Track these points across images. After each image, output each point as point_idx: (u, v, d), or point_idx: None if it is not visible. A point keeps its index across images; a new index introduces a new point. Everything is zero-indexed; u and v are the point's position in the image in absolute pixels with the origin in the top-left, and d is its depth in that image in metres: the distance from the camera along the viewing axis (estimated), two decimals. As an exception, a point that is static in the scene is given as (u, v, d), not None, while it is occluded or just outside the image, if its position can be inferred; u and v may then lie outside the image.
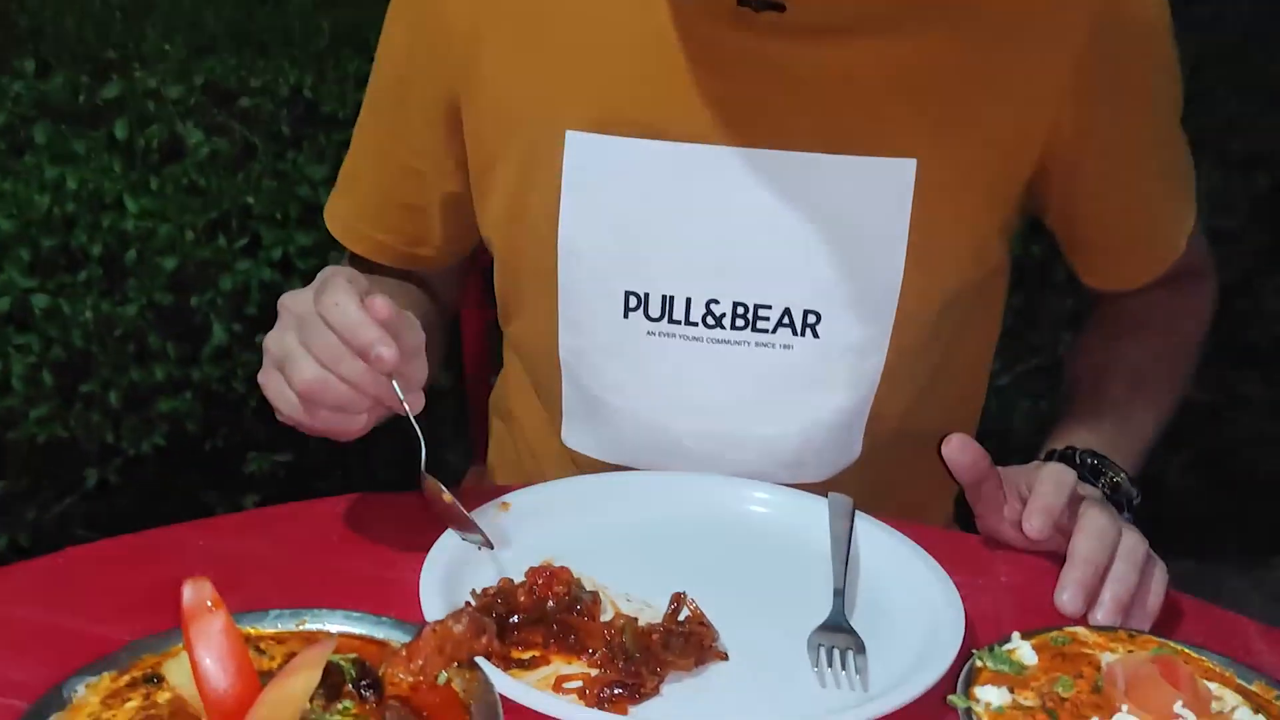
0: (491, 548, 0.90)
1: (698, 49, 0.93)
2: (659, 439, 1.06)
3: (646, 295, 0.99)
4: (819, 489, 1.02)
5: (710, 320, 0.99)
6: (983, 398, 1.23)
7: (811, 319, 0.98)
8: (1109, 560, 0.89)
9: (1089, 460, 1.02)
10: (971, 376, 1.17)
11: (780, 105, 0.94)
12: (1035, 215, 1.10)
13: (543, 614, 0.86)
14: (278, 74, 2.27)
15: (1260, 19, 2.69)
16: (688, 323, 0.99)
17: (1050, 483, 0.91)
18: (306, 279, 2.64)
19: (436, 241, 1.12)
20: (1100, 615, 0.87)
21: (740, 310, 0.98)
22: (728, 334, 0.99)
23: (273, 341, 0.88)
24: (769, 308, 0.98)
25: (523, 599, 0.87)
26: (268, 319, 2.69)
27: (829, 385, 1.01)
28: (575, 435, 1.10)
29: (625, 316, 1.00)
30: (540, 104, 0.98)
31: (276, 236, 2.32)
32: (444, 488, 0.88)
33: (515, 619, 0.85)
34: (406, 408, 0.87)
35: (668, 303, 0.99)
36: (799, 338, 0.98)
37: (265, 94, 2.28)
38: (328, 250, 2.38)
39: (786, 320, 0.98)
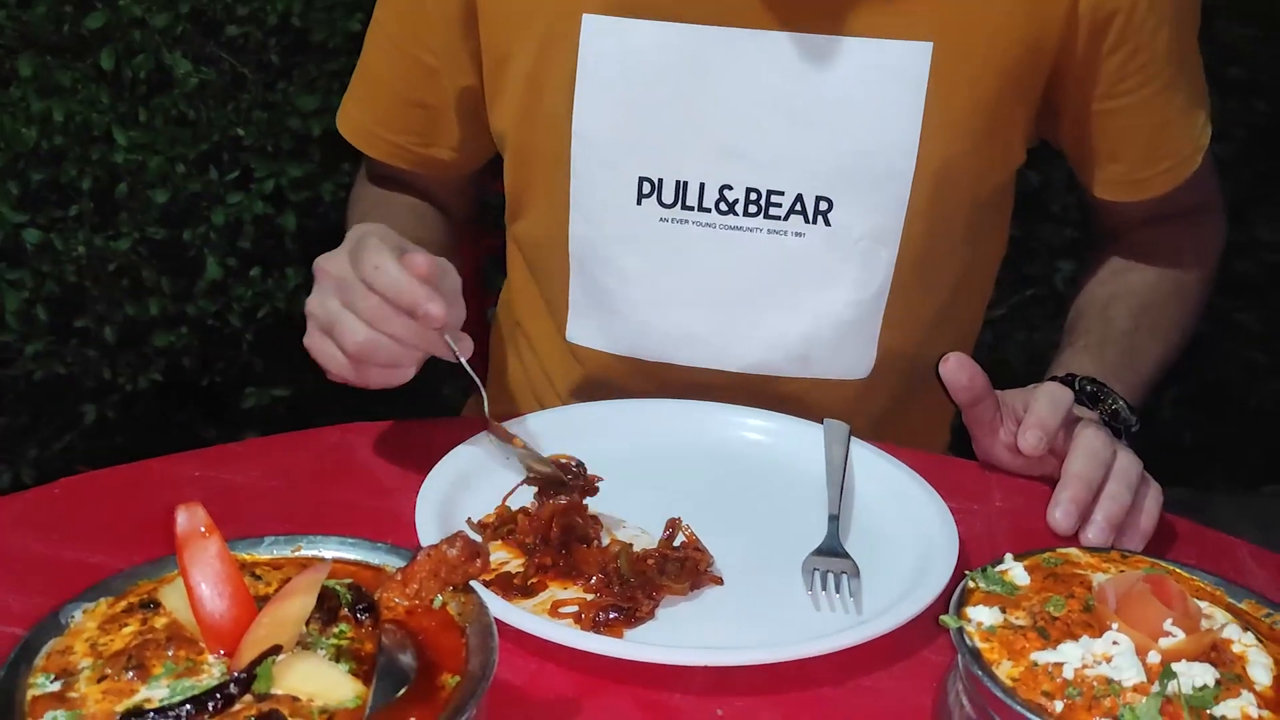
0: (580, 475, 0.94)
1: None
2: (667, 329, 1.06)
3: (660, 181, 0.99)
4: (825, 412, 1.02)
5: (723, 206, 0.99)
6: (978, 332, 1.22)
7: (824, 205, 0.97)
8: (1102, 479, 0.89)
9: (1088, 387, 1.02)
10: (976, 304, 1.17)
11: None
12: (1047, 135, 1.08)
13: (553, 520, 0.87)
14: (265, 1, 2.23)
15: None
16: (700, 209, 0.99)
17: (1045, 400, 0.91)
18: (299, 211, 2.59)
19: (453, 142, 1.12)
20: (1092, 534, 0.87)
21: (753, 196, 0.98)
22: (740, 220, 0.99)
23: (315, 305, 0.89)
24: (781, 194, 0.98)
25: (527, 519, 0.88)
26: (261, 252, 2.65)
27: (840, 277, 1.01)
28: (580, 329, 1.10)
29: (638, 203, 1.00)
30: None
31: (268, 169, 2.29)
32: (512, 434, 0.93)
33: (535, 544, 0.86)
34: (460, 356, 0.88)
35: (681, 189, 0.99)
36: (811, 225, 0.98)
37: (253, 22, 2.24)
38: (320, 182, 2.36)
39: (799, 207, 0.98)
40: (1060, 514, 0.88)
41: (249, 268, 2.32)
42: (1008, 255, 1.19)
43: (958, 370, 0.92)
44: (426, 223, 1.15)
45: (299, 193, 2.31)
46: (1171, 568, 0.73)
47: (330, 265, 0.87)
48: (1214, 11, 2.34)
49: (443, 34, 1.05)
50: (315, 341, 0.90)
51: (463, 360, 0.89)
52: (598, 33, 0.95)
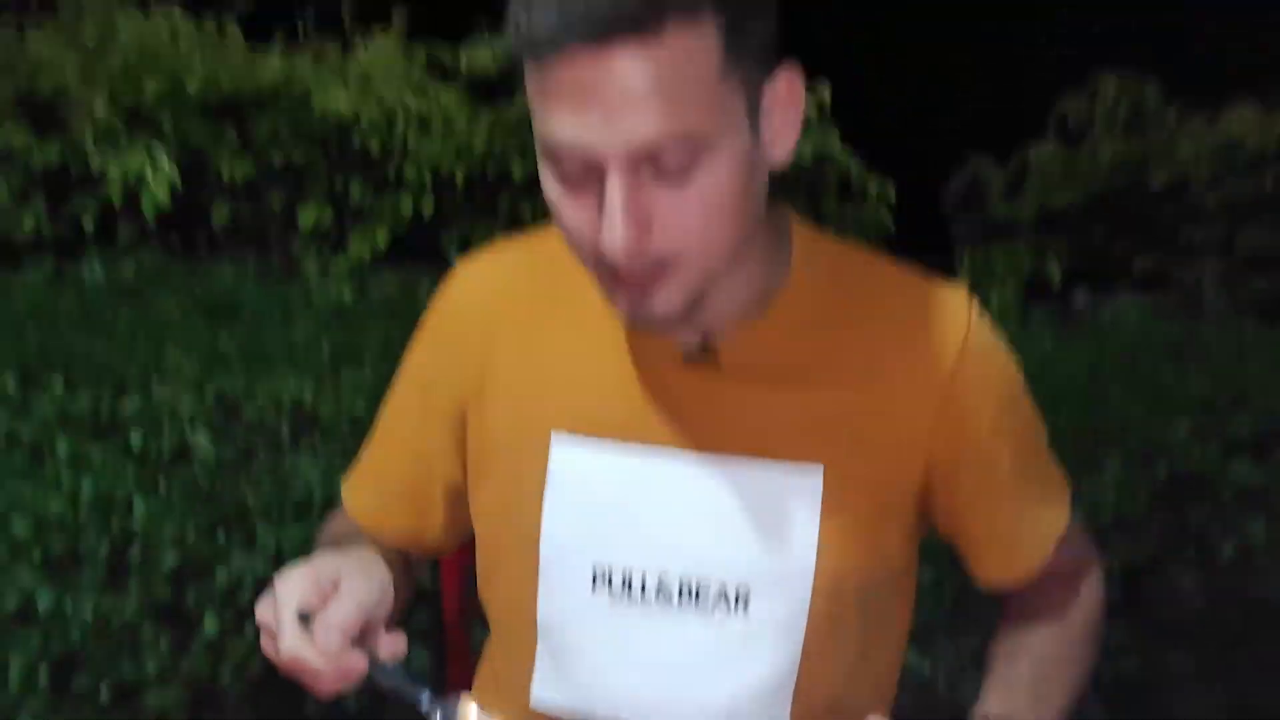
0: None
1: (654, 381, 1.17)
2: (615, 695, 1.21)
3: (610, 571, 1.19)
4: None
5: (662, 595, 1.18)
6: (894, 686, 1.38)
7: (743, 593, 1.17)
8: None
9: None
10: (885, 668, 1.33)
11: (717, 421, 1.16)
12: (933, 528, 1.31)
13: None
14: (282, 386, 2.53)
15: (1149, 330, 3.07)
16: (642, 597, 1.19)
17: None
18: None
19: (439, 524, 1.30)
20: None
21: (686, 587, 1.17)
22: (674, 608, 1.18)
23: (270, 652, 1.02)
24: (708, 586, 1.18)
25: None
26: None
27: (756, 656, 1.18)
28: (545, 691, 1.24)
29: (593, 590, 1.19)
30: (531, 416, 1.20)
31: (271, 532, 2.49)
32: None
33: None
34: (393, 685, 1.00)
35: (626, 578, 1.18)
36: (732, 613, 1.17)
37: (270, 404, 2.53)
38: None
39: (723, 596, 1.18)
40: None
41: (243, 622, 2.45)
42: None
43: None
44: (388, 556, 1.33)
45: (298, 553, 2.49)
46: None
47: (266, 618, 1.00)
48: (1111, 386, 2.68)
49: (440, 437, 1.26)
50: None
51: (396, 684, 1.00)
52: (564, 447, 1.17)
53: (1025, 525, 1.24)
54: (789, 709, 1.19)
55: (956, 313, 1.17)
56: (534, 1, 0.89)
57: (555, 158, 0.96)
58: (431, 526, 1.31)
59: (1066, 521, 1.27)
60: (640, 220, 0.95)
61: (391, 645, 1.02)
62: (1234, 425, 2.74)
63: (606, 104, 0.90)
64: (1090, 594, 1.34)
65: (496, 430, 1.22)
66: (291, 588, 1.01)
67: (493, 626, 1.35)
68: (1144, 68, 4.14)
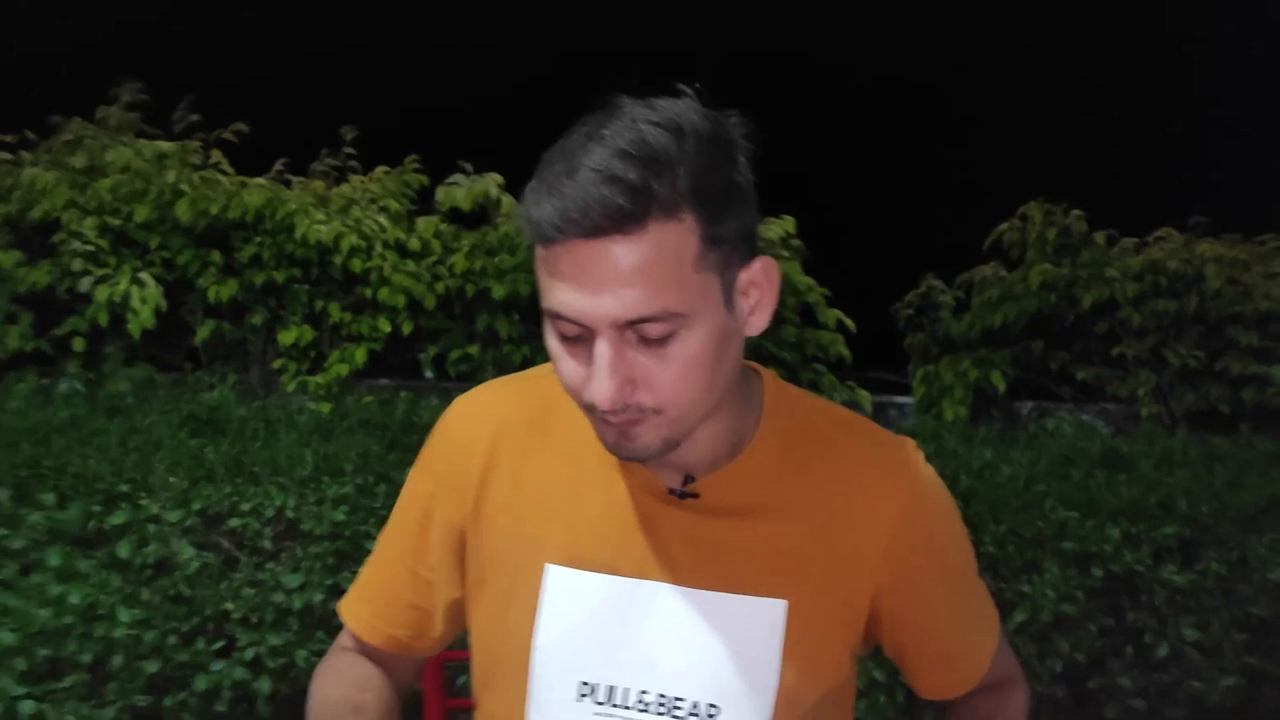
0: None
1: (639, 515, 1.32)
2: None
3: (595, 685, 1.32)
4: None
5: (641, 706, 1.31)
6: None
7: (713, 710, 1.31)
8: None
9: None
10: None
11: (693, 556, 1.31)
12: (875, 644, 1.45)
13: None
14: (265, 498, 2.64)
15: (1082, 440, 3.27)
16: (625, 708, 1.31)
17: None
18: (275, 676, 2.85)
19: (436, 635, 1.43)
20: None
21: (662, 699, 1.31)
22: (653, 718, 1.32)
23: None
24: (683, 700, 1.31)
25: None
26: (236, 716, 2.88)
27: None
28: None
29: (579, 700, 1.32)
30: (526, 543, 1.33)
31: (250, 638, 2.58)
32: None
33: None
34: None
35: (610, 691, 1.31)
36: None
37: (253, 515, 2.64)
38: (296, 649, 2.64)
39: (695, 711, 1.31)
40: None
41: (221, 731, 2.53)
42: None
43: None
44: (379, 695, 1.40)
45: (276, 659, 2.58)
46: None
47: None
48: (1047, 495, 2.86)
49: (439, 557, 1.39)
50: None
51: None
52: (556, 578, 1.31)
53: (964, 646, 1.40)
54: None
55: (903, 461, 1.33)
56: (541, 200, 1.08)
57: (555, 321, 1.14)
58: (429, 638, 1.43)
59: (997, 637, 1.42)
60: (623, 378, 1.13)
61: None
62: (1162, 531, 2.92)
63: (598, 284, 1.08)
64: (1015, 706, 1.49)
65: (494, 555, 1.36)
66: None
67: None
68: (1074, 199, 4.47)
